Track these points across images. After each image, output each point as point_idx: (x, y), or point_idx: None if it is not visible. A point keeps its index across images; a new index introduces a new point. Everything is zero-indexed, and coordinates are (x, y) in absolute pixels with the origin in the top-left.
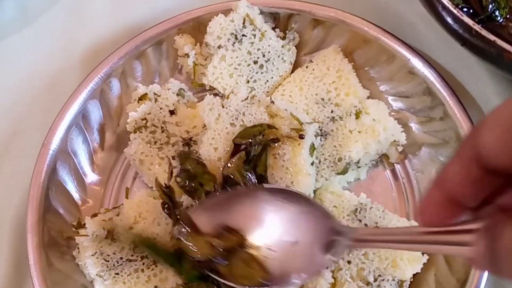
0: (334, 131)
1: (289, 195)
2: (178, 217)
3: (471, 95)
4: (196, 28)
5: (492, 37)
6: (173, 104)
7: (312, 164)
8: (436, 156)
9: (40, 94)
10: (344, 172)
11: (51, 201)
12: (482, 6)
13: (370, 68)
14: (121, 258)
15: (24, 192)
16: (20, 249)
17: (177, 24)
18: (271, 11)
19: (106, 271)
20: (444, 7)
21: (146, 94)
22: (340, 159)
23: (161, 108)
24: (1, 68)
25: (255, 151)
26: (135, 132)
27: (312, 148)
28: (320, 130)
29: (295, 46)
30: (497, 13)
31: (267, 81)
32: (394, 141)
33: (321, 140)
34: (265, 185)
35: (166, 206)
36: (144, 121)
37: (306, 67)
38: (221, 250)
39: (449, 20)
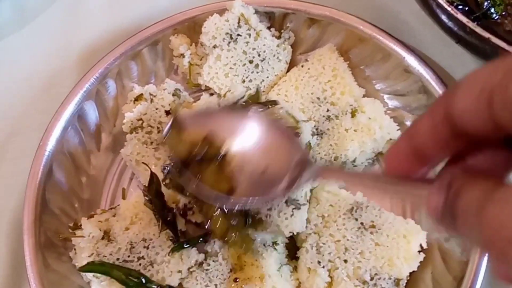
0: (330, 130)
1: (273, 123)
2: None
3: None
4: (191, 28)
5: (486, 35)
6: (169, 104)
7: None
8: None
9: (37, 95)
10: None
11: (48, 202)
12: (477, 3)
13: (366, 66)
14: (118, 259)
15: (20, 193)
16: (17, 250)
17: (172, 24)
18: (266, 11)
19: None
20: (439, 5)
21: (142, 94)
22: (336, 158)
23: (157, 109)
24: None
25: None
26: (131, 132)
27: (308, 146)
28: (316, 129)
29: (291, 45)
30: (492, 10)
31: (263, 80)
32: (390, 139)
33: (317, 139)
34: (255, 108)
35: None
36: (140, 122)
37: (302, 66)
38: (198, 154)
39: (443, 17)
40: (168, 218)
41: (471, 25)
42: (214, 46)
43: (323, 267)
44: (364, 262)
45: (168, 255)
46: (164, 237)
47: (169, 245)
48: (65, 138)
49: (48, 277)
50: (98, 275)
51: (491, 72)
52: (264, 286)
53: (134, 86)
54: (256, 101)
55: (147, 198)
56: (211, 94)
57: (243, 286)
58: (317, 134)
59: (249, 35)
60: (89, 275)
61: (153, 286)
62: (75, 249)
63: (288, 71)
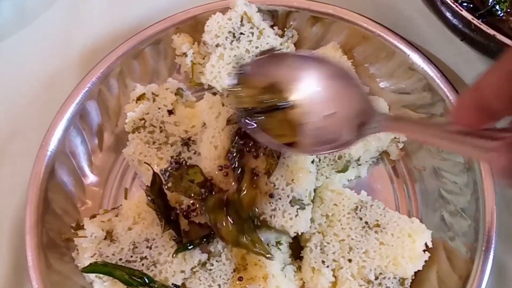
0: None
1: (336, 69)
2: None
3: None
4: (194, 27)
5: (491, 32)
6: (172, 103)
7: (312, 162)
8: (437, 153)
9: (39, 95)
10: (344, 170)
11: (50, 202)
12: (482, 0)
13: (370, 64)
14: (120, 259)
15: (22, 193)
16: (19, 251)
17: (174, 23)
18: (269, 9)
19: None
20: (443, 2)
21: (144, 94)
22: (340, 157)
23: (159, 108)
24: (0, 69)
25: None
26: (133, 132)
27: None
28: None
29: (294, 44)
30: (497, 7)
31: None
32: (395, 138)
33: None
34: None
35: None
36: (143, 121)
37: None
38: (263, 104)
39: (448, 15)
40: (171, 218)
41: (476, 22)
42: (217, 45)
43: (327, 266)
44: (369, 261)
45: (172, 256)
46: (167, 237)
47: (172, 245)
48: (67, 138)
49: (50, 277)
50: (101, 275)
51: None
52: (268, 286)
53: (136, 85)
54: None
55: (149, 198)
56: (214, 93)
57: (246, 286)
58: None
59: (252, 33)
60: (92, 276)
61: (156, 286)
62: (77, 250)
63: None
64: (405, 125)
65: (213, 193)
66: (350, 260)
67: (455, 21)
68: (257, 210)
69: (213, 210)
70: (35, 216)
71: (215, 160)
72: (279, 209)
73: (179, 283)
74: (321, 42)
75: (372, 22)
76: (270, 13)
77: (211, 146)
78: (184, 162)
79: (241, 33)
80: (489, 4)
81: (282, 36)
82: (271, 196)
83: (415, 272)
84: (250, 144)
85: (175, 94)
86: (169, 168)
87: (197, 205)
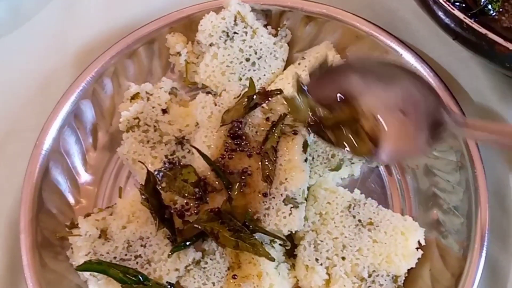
0: None
1: (398, 70)
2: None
3: (464, 89)
4: (188, 26)
5: (483, 30)
6: (166, 103)
7: (305, 160)
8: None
9: (33, 94)
10: (337, 168)
11: (44, 201)
12: (474, 0)
13: None
14: (115, 257)
15: (17, 193)
16: (14, 250)
17: (168, 22)
18: (263, 8)
19: None
20: (436, 1)
21: (138, 93)
22: (333, 155)
23: (153, 107)
24: None
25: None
26: (127, 131)
27: (306, 144)
28: None
29: (287, 43)
30: (489, 6)
31: (260, 78)
32: None
33: (314, 137)
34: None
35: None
36: (137, 120)
37: (299, 63)
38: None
39: (440, 14)
40: (165, 216)
41: (468, 21)
42: (211, 44)
43: (321, 264)
44: (362, 259)
45: (168, 256)
46: (161, 236)
47: (166, 243)
48: (61, 137)
49: (45, 276)
50: (96, 273)
51: None
52: (261, 283)
53: (130, 84)
54: (252, 93)
55: (143, 197)
56: (208, 93)
57: (241, 284)
58: None
59: (246, 33)
60: (86, 274)
61: (151, 284)
62: (72, 248)
63: (285, 69)
64: (483, 128)
65: (207, 192)
66: (343, 258)
67: (447, 20)
68: (250, 210)
69: (207, 222)
70: (30, 215)
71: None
72: (273, 208)
73: (173, 281)
74: (315, 42)
75: (365, 21)
76: (264, 12)
77: (204, 145)
78: (178, 161)
79: (235, 33)
80: (482, 3)
81: (275, 35)
82: (265, 195)
83: (408, 270)
84: (243, 144)
85: (169, 93)
86: (163, 168)
87: (191, 205)
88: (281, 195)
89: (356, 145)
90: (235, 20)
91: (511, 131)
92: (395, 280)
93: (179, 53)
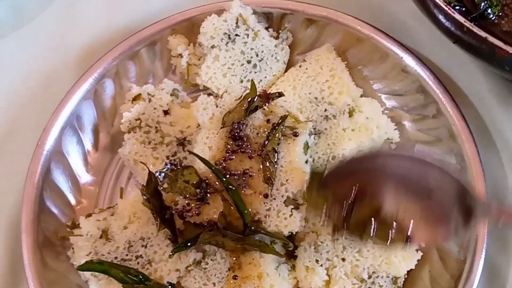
0: (327, 130)
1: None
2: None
3: (464, 92)
4: (190, 28)
5: (483, 34)
6: (167, 104)
7: (306, 162)
8: (429, 154)
9: (35, 95)
10: None
11: (46, 201)
12: (474, 4)
13: (363, 66)
14: (116, 257)
15: (18, 193)
16: (15, 250)
17: (170, 24)
18: (264, 11)
19: None
20: (436, 5)
21: (140, 94)
22: (334, 157)
23: (155, 108)
24: None
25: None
26: (129, 132)
27: (306, 146)
28: (314, 128)
29: (289, 46)
30: (489, 10)
31: (261, 80)
32: (388, 139)
33: (314, 139)
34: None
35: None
36: (138, 121)
37: (300, 66)
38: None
39: (441, 17)
40: (166, 217)
41: (468, 24)
42: (212, 46)
43: (321, 265)
44: (362, 260)
45: (169, 257)
46: (162, 236)
47: (167, 244)
48: (63, 138)
49: (46, 276)
50: (96, 273)
51: None
52: (262, 284)
53: (132, 86)
54: (253, 95)
55: (145, 197)
56: (209, 94)
57: (241, 284)
58: (315, 134)
59: (247, 35)
60: (87, 274)
61: (151, 284)
62: (73, 248)
63: (286, 71)
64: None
65: (208, 194)
66: (343, 259)
67: (447, 24)
68: (250, 210)
69: (211, 238)
70: (31, 215)
71: (210, 161)
72: (274, 209)
73: (174, 281)
74: (316, 44)
75: (366, 24)
76: (265, 15)
77: (206, 147)
78: (179, 162)
79: (236, 35)
80: (481, 7)
81: (277, 38)
82: (266, 196)
83: (408, 271)
84: (244, 145)
85: (171, 95)
86: (164, 169)
87: (193, 205)
88: (282, 196)
89: (390, 237)
90: (236, 23)
91: None
92: (395, 282)
93: (180, 55)
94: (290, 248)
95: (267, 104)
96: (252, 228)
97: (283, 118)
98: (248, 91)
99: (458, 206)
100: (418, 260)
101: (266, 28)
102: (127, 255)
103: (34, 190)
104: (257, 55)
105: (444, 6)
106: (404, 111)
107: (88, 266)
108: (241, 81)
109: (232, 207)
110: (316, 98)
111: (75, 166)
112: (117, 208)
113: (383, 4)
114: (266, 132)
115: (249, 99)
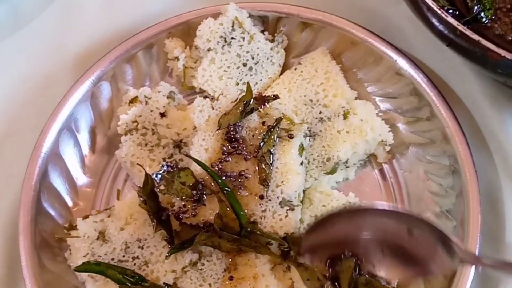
0: (322, 132)
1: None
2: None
3: (457, 95)
4: (186, 31)
5: (476, 37)
6: (164, 106)
7: (301, 164)
8: (424, 156)
9: (32, 97)
10: (332, 172)
11: (43, 203)
12: (467, 7)
13: (358, 69)
14: (113, 259)
15: (16, 195)
16: (12, 251)
17: (167, 28)
18: (260, 14)
19: None
20: (430, 9)
21: (136, 97)
22: (328, 159)
23: (151, 111)
24: None
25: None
26: (126, 134)
27: (301, 148)
28: (309, 130)
29: (284, 49)
30: (482, 14)
31: (257, 83)
32: (382, 141)
33: (309, 141)
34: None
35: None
36: (135, 124)
37: (295, 69)
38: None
39: (434, 21)
40: (163, 218)
41: (461, 27)
42: (209, 49)
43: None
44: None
45: (166, 258)
46: (158, 237)
47: (163, 245)
48: (60, 140)
49: (44, 277)
50: (93, 274)
51: None
52: (257, 285)
53: (129, 88)
54: (249, 98)
55: (141, 199)
56: (205, 97)
57: (237, 285)
58: (310, 136)
59: (243, 38)
60: (84, 275)
61: (148, 285)
62: (70, 250)
63: (281, 74)
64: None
65: (205, 195)
66: None
67: (441, 27)
68: (246, 211)
69: (207, 239)
70: (28, 217)
71: (206, 163)
72: (269, 210)
73: (170, 282)
74: (311, 48)
75: (361, 28)
76: (261, 18)
77: (202, 149)
78: (175, 164)
79: (232, 38)
80: (474, 11)
81: (272, 41)
82: (261, 197)
83: None
84: (240, 147)
85: (167, 97)
86: (160, 171)
87: (189, 207)
88: (278, 197)
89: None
90: (232, 26)
91: None
92: (389, 282)
93: (177, 58)
94: (285, 249)
95: (262, 107)
96: (248, 229)
97: (278, 120)
98: (244, 93)
99: (441, 248)
100: None
101: (262, 31)
102: (123, 256)
103: (32, 192)
104: (252, 58)
105: (437, 10)
106: (398, 113)
107: (85, 267)
108: (237, 84)
109: (228, 209)
110: (311, 100)
111: (72, 168)
112: (114, 210)
113: (378, 8)
114: (262, 134)
115: (244, 102)
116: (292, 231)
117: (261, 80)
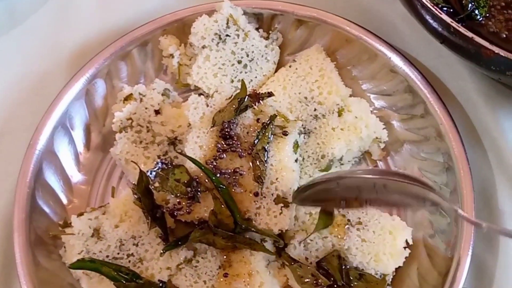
0: (317, 129)
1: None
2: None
3: (451, 92)
4: (181, 29)
5: (470, 34)
6: (158, 104)
7: (296, 161)
8: (418, 153)
9: (27, 95)
10: (327, 169)
11: (37, 201)
12: (462, 5)
13: (352, 67)
14: (107, 256)
15: (10, 192)
16: (7, 248)
17: (161, 25)
18: (255, 12)
19: None
20: (424, 6)
21: (131, 94)
22: (323, 156)
23: (146, 108)
24: None
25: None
26: (120, 132)
27: (296, 145)
28: (304, 128)
29: (279, 46)
30: (476, 12)
31: (251, 80)
32: (376, 138)
33: (304, 138)
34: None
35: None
36: (130, 121)
37: (290, 66)
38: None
39: (428, 18)
40: (157, 215)
41: (455, 25)
42: (203, 47)
43: (311, 263)
44: (351, 257)
45: (160, 255)
46: (153, 235)
47: (158, 242)
48: (55, 138)
49: (38, 274)
50: (88, 272)
51: None
52: (252, 282)
53: (123, 86)
54: (243, 95)
55: (136, 196)
56: (200, 94)
57: (231, 282)
58: (305, 133)
59: (238, 35)
60: (79, 272)
61: (143, 282)
62: (64, 247)
63: (276, 71)
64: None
65: (199, 192)
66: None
67: (435, 24)
68: (240, 208)
69: (202, 236)
70: (23, 215)
71: (200, 160)
72: (264, 207)
73: (165, 279)
74: (305, 45)
75: (355, 25)
76: (256, 16)
77: (196, 146)
78: (170, 161)
79: (227, 35)
80: (469, 8)
81: (267, 38)
82: (256, 194)
83: (396, 269)
84: (234, 144)
85: (162, 95)
86: (155, 168)
87: (184, 204)
88: (272, 194)
89: None
90: (227, 23)
91: None
92: (383, 279)
93: (172, 55)
94: (280, 246)
95: (257, 104)
96: (243, 226)
97: (273, 117)
98: (238, 91)
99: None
100: (406, 258)
101: (257, 29)
102: (118, 253)
103: (26, 190)
104: (247, 55)
105: (431, 7)
106: (393, 110)
107: (80, 264)
108: (232, 81)
109: (222, 206)
110: (305, 97)
111: (67, 166)
112: (108, 207)
113: (372, 6)
114: (256, 131)
115: (239, 99)
116: (286, 228)
117: (255, 77)
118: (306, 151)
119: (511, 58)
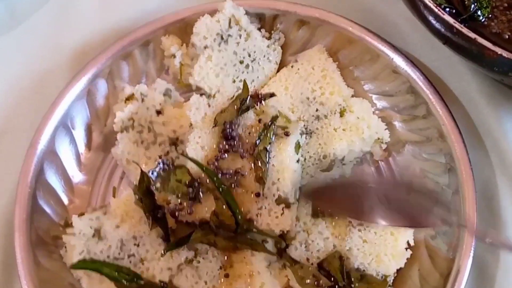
0: (319, 129)
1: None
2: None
3: (453, 93)
4: (183, 29)
5: (472, 35)
6: (160, 104)
7: (297, 161)
8: (420, 154)
9: (28, 95)
10: (329, 169)
11: (38, 201)
12: (464, 6)
13: (355, 67)
14: (108, 256)
15: (11, 192)
16: (8, 248)
17: (163, 25)
18: (257, 12)
19: None
20: (426, 6)
21: (133, 94)
22: (325, 157)
23: (148, 108)
24: None
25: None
26: (122, 132)
27: (298, 145)
28: (305, 128)
29: (281, 46)
30: (479, 12)
31: (253, 80)
32: (378, 138)
33: (306, 138)
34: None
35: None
36: (131, 121)
37: (292, 66)
38: None
39: (431, 19)
40: (158, 216)
41: (458, 25)
42: (205, 47)
43: (312, 264)
44: (352, 258)
45: (161, 255)
46: (154, 235)
47: (159, 243)
48: (56, 137)
49: (39, 274)
50: (89, 272)
51: None
52: (253, 282)
53: (125, 86)
54: (245, 95)
55: (137, 197)
56: (202, 94)
57: (232, 282)
58: (306, 133)
59: (240, 35)
60: (80, 273)
61: (144, 283)
62: (65, 247)
63: (278, 71)
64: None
65: (201, 193)
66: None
67: (437, 25)
68: (242, 209)
69: (203, 237)
70: (24, 214)
71: (202, 160)
72: (265, 208)
73: (166, 280)
74: (307, 45)
75: (357, 26)
76: (258, 16)
77: (198, 146)
78: (171, 161)
79: (229, 35)
80: (471, 9)
81: (269, 38)
82: (257, 195)
83: (397, 270)
84: (236, 145)
85: (164, 95)
86: (156, 169)
87: (185, 204)
88: (274, 195)
89: None
90: (229, 23)
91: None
92: (384, 280)
93: (173, 55)
94: (281, 247)
95: (259, 104)
96: (244, 226)
97: (275, 118)
98: (240, 91)
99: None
100: (407, 259)
101: (259, 29)
102: (119, 253)
103: (27, 190)
104: (249, 56)
105: (434, 8)
106: (395, 111)
107: (81, 264)
108: (234, 81)
109: (224, 206)
110: (307, 98)
111: (68, 166)
112: (109, 207)
113: (375, 6)
114: (258, 132)
115: (241, 99)
116: (288, 229)
117: (257, 77)
118: (308, 152)
119: None
